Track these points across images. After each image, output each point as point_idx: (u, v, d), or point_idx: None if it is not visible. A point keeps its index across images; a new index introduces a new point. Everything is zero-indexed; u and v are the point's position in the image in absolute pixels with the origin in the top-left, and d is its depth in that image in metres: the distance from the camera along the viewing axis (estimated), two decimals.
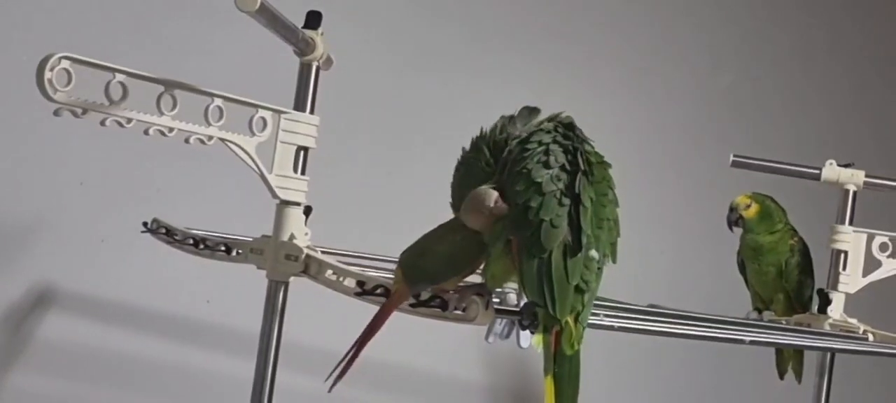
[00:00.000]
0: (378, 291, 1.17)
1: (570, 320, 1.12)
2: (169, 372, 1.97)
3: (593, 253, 1.13)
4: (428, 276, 1.15)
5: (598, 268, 1.14)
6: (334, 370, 1.14)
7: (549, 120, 1.23)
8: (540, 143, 1.16)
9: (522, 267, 1.12)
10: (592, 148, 1.19)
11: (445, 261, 1.16)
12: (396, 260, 1.60)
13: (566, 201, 1.12)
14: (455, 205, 1.28)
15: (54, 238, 1.86)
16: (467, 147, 1.30)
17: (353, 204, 2.11)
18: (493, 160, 1.24)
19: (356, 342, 1.15)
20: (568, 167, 1.15)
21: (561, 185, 1.13)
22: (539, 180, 1.13)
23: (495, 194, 1.14)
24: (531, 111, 1.27)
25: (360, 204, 2.14)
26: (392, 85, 2.21)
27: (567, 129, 1.19)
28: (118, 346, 1.92)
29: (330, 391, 1.13)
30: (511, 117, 1.27)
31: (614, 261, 1.18)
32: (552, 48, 2.42)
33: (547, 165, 1.14)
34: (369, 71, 2.13)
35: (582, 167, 1.15)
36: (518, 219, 1.12)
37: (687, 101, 2.65)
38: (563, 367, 1.13)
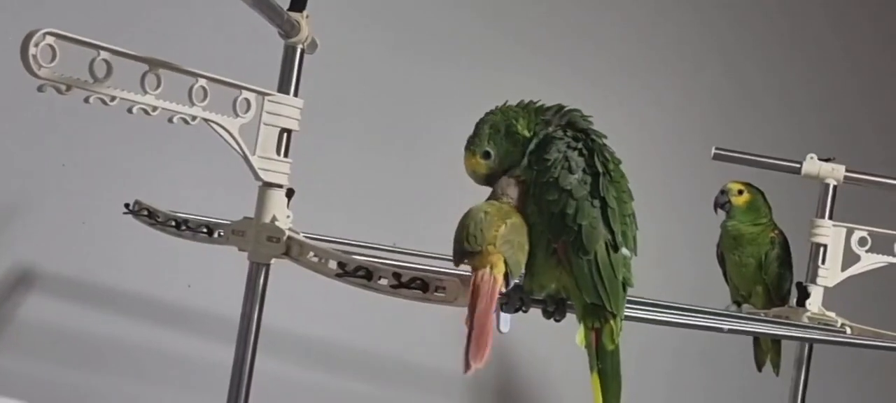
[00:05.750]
0: (359, 273, 1.17)
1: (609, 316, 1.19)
2: (149, 356, 1.96)
3: (625, 251, 1.19)
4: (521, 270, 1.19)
5: (629, 263, 1.21)
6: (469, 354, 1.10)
7: (556, 112, 1.26)
8: (558, 151, 1.20)
9: (574, 270, 1.17)
10: (608, 147, 1.24)
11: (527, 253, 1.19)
12: (378, 246, 1.61)
13: (596, 203, 1.18)
14: (475, 145, 1.27)
15: (35, 219, 1.86)
16: (515, 103, 1.29)
17: (336, 189, 2.11)
18: (528, 134, 1.26)
19: (470, 325, 1.11)
20: (588, 169, 1.19)
21: (588, 188, 1.18)
22: (568, 187, 1.18)
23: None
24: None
25: (343, 189, 2.14)
26: (377, 70, 2.21)
27: (577, 132, 1.23)
28: (98, 329, 1.91)
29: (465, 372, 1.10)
30: (560, 109, 1.27)
31: (636, 254, 1.22)
32: (537, 39, 2.43)
33: (570, 170, 1.19)
34: (355, 55, 2.13)
35: (601, 169, 1.20)
36: (558, 226, 1.17)
37: (669, 95, 2.66)
38: (607, 363, 1.18)
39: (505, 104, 1.29)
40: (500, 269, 1.13)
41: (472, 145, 1.28)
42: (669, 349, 2.55)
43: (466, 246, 1.14)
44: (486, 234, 1.14)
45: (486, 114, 1.28)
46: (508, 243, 1.15)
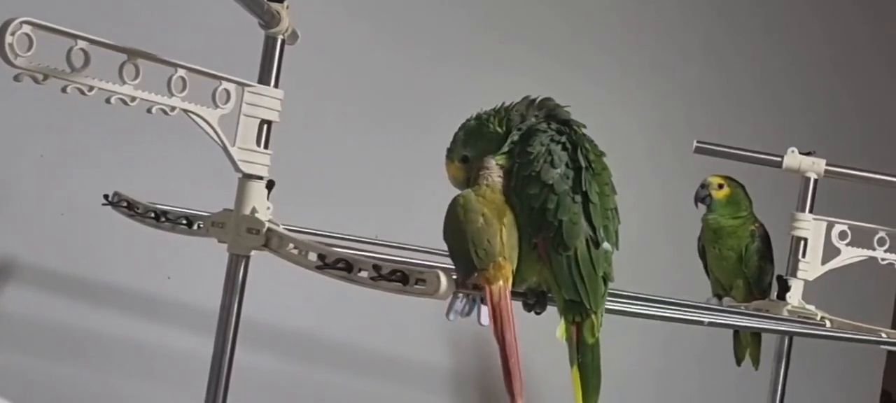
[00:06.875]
0: (339, 265, 1.17)
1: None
2: (127, 348, 1.95)
3: (606, 245, 1.19)
4: None
5: (610, 258, 1.21)
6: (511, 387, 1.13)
7: (528, 104, 1.27)
8: (541, 143, 1.20)
9: (553, 266, 1.17)
10: (589, 139, 1.24)
11: None
12: (360, 238, 1.61)
13: (578, 198, 1.18)
14: (452, 152, 1.30)
15: (13, 210, 1.84)
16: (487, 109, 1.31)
17: (317, 181, 2.11)
18: (502, 129, 1.27)
19: (504, 356, 1.13)
20: (570, 164, 1.19)
21: (570, 183, 1.18)
22: (550, 181, 1.18)
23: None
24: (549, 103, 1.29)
25: (324, 181, 2.14)
26: (359, 61, 2.20)
27: (560, 124, 1.24)
28: (76, 321, 1.90)
29: None
30: (532, 101, 1.28)
31: (618, 248, 1.22)
32: (520, 32, 2.42)
33: (553, 165, 1.19)
34: (336, 46, 2.12)
35: (583, 163, 1.20)
36: (538, 221, 1.17)
37: (651, 89, 2.66)
38: (587, 356, 1.19)
39: (478, 112, 1.30)
40: (507, 278, 1.14)
41: (450, 154, 1.30)
42: (654, 343, 2.55)
43: (478, 263, 1.14)
44: (494, 246, 1.14)
45: (463, 123, 1.31)
46: (512, 248, 1.16)
